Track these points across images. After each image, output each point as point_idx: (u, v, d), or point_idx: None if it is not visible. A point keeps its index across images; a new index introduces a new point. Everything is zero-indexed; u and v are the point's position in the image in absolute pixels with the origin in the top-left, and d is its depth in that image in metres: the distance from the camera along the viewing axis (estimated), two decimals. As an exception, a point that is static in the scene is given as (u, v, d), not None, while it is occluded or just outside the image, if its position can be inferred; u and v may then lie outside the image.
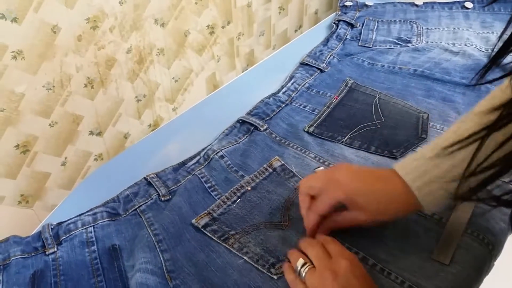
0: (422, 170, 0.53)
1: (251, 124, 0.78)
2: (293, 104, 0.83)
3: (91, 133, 0.99)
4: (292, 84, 0.86)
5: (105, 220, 0.64)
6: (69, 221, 0.63)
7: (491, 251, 0.57)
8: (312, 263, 0.52)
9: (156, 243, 0.60)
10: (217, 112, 0.85)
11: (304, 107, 0.81)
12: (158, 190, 0.67)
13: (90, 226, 0.63)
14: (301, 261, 0.52)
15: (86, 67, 0.92)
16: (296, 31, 1.45)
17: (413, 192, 0.52)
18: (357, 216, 0.55)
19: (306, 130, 0.76)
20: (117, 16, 0.92)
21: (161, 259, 0.58)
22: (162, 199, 0.67)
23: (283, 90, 0.85)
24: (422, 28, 0.97)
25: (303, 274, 0.51)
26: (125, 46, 0.96)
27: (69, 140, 0.96)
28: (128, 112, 1.05)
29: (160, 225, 0.62)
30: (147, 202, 0.66)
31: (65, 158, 0.97)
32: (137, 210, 0.65)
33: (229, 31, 1.19)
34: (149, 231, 0.62)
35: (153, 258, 0.58)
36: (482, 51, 0.88)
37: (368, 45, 0.95)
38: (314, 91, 0.85)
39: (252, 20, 1.25)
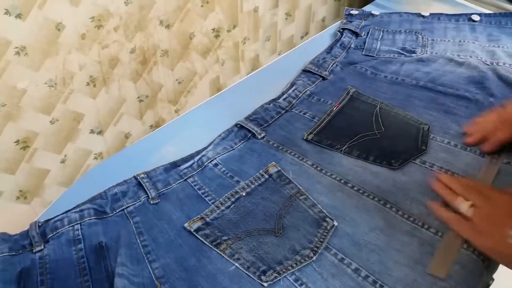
0: None
1: (249, 131, 0.77)
2: (293, 110, 0.82)
3: (92, 131, 0.99)
4: (293, 90, 0.85)
5: (92, 217, 0.63)
6: (55, 219, 0.62)
7: (487, 267, 0.57)
8: None
9: (144, 255, 0.59)
10: (218, 114, 0.84)
11: (304, 114, 0.81)
12: (147, 192, 0.66)
13: (77, 224, 0.62)
14: (468, 203, 0.59)
15: (89, 66, 0.92)
16: (302, 37, 1.45)
17: None
18: None
19: (305, 138, 0.75)
20: (122, 16, 0.92)
21: (150, 269, 0.57)
22: (151, 202, 0.66)
23: (284, 96, 0.84)
24: (428, 39, 0.97)
25: (469, 213, 0.59)
26: (129, 46, 0.96)
27: (70, 138, 0.96)
28: (130, 112, 1.05)
29: (149, 236, 0.61)
30: (135, 203, 0.66)
31: (65, 155, 0.97)
32: (125, 210, 0.65)
33: (234, 35, 1.19)
34: (138, 241, 0.61)
35: (140, 271, 0.57)
36: (487, 64, 0.87)
37: (372, 54, 0.94)
38: (315, 98, 0.84)
39: (258, 25, 1.25)
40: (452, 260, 0.56)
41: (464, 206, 0.60)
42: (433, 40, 0.97)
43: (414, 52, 0.93)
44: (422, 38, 0.97)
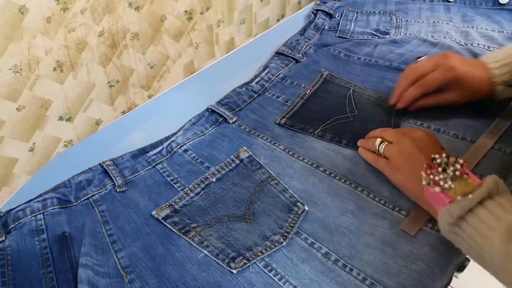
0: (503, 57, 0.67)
1: (220, 115, 0.76)
2: (266, 94, 0.81)
3: (61, 118, 0.96)
4: (266, 74, 0.84)
5: (55, 207, 0.61)
6: (17, 209, 0.60)
7: (457, 249, 0.56)
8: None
9: (110, 244, 0.57)
10: (191, 98, 0.83)
11: (277, 97, 0.80)
12: (114, 180, 0.65)
13: (40, 214, 0.60)
14: (379, 140, 0.63)
15: (56, 50, 0.89)
16: (278, 20, 1.43)
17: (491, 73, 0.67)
18: (450, 97, 0.70)
19: (278, 122, 0.74)
20: (89, -2, 0.89)
21: (115, 259, 0.56)
22: (118, 190, 0.64)
23: (257, 79, 0.83)
24: (401, 20, 0.96)
25: (382, 150, 0.61)
26: (97, 29, 0.93)
27: (37, 125, 0.93)
28: (100, 98, 1.02)
29: (115, 225, 0.60)
30: (100, 192, 0.64)
31: (33, 143, 0.94)
32: (90, 199, 0.63)
33: (208, 17, 1.17)
34: (103, 230, 0.59)
35: (105, 261, 0.55)
36: (461, 45, 0.86)
37: (345, 36, 0.93)
38: (288, 81, 0.83)
39: (232, 8, 1.22)
40: (424, 221, 0.57)
41: (376, 143, 0.63)
42: (407, 21, 0.96)
43: (387, 33, 0.92)
44: (396, 19, 0.96)
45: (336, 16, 0.98)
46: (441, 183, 0.51)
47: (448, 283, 0.73)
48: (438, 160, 0.53)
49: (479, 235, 0.48)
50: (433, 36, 0.90)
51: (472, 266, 0.79)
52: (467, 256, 0.56)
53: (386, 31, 0.93)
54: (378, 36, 0.91)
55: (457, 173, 0.51)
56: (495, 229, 0.46)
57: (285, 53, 0.89)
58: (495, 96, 0.69)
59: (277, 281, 0.53)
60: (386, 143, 0.62)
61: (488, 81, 0.68)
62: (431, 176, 0.52)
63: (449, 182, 0.51)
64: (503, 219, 0.47)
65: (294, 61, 0.88)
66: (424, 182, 0.53)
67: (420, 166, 0.54)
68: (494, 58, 0.68)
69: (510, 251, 0.45)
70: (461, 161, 0.52)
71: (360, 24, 0.96)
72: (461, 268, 0.79)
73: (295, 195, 0.62)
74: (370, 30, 0.93)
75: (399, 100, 0.72)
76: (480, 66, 0.69)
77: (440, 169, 0.52)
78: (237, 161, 0.67)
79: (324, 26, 0.96)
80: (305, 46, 0.91)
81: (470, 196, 0.49)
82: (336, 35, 0.94)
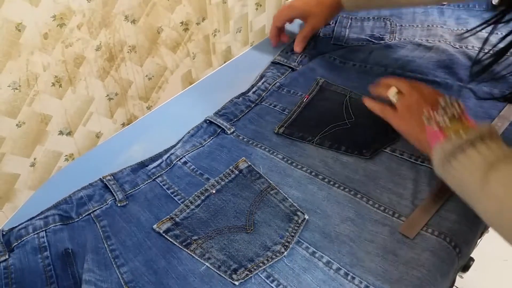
0: None
1: (218, 126, 0.76)
2: (263, 103, 0.81)
3: (61, 132, 0.97)
4: (262, 83, 0.84)
5: (57, 224, 0.61)
6: (20, 227, 0.60)
7: (458, 254, 0.57)
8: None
9: (112, 259, 0.58)
10: (190, 109, 0.83)
11: (275, 106, 0.80)
12: (114, 195, 0.65)
13: (42, 231, 0.60)
14: (395, 89, 0.67)
15: (54, 66, 0.89)
16: (274, 27, 1.43)
17: None
18: (309, 24, 0.90)
19: (276, 131, 0.74)
20: (85, 13, 0.89)
21: (118, 274, 0.56)
22: (119, 204, 0.65)
23: (253, 89, 0.83)
24: (396, 25, 0.96)
25: (395, 100, 0.66)
26: (94, 43, 0.94)
27: (38, 141, 0.93)
28: (100, 111, 1.03)
29: (117, 240, 0.60)
30: (102, 207, 0.64)
31: (34, 158, 0.94)
32: (91, 215, 0.63)
33: (204, 27, 1.17)
34: (105, 245, 0.59)
35: (108, 276, 0.56)
36: (456, 47, 0.87)
37: (340, 43, 0.93)
38: (285, 90, 0.83)
39: (228, 17, 1.23)
40: (423, 223, 0.58)
41: (391, 92, 0.68)
42: (401, 25, 0.96)
43: (382, 39, 0.92)
44: (391, 24, 0.96)
45: (331, 23, 0.99)
46: (439, 121, 0.58)
47: (452, 284, 0.73)
48: (442, 103, 0.59)
49: (466, 172, 0.53)
50: (427, 40, 0.90)
51: (477, 266, 0.79)
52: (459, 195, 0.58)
53: (381, 36, 0.93)
54: (373, 42, 0.92)
55: (455, 113, 0.57)
56: (480, 168, 0.51)
57: (281, 62, 0.90)
58: (344, 8, 0.86)
59: (279, 291, 0.53)
60: (399, 94, 0.67)
61: None
62: (433, 116, 0.59)
63: (447, 121, 0.57)
64: (488, 159, 0.51)
65: (290, 70, 0.89)
66: (425, 120, 0.60)
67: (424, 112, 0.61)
68: None
69: (486, 183, 0.50)
70: (461, 105, 0.58)
71: (355, 31, 0.96)
72: (465, 268, 0.79)
73: (295, 204, 0.62)
74: (365, 36, 0.94)
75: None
76: None
77: (441, 110, 0.58)
78: (236, 172, 0.67)
79: (319, 33, 0.97)
80: (300, 54, 0.91)
81: (462, 135, 0.54)
82: (331, 42, 0.94)
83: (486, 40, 0.63)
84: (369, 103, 0.72)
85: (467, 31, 0.66)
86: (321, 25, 0.94)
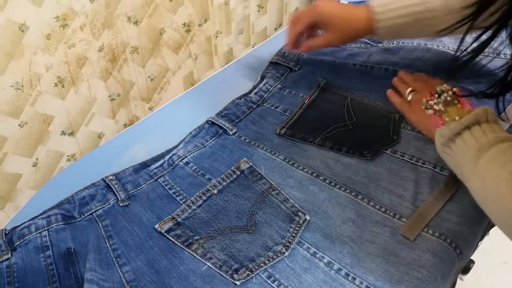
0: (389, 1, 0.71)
1: (220, 127, 0.76)
2: (264, 104, 0.82)
3: (63, 133, 0.97)
4: (264, 84, 0.85)
5: (59, 223, 0.62)
6: (22, 226, 0.61)
7: (459, 255, 0.57)
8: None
9: (114, 258, 0.58)
10: (192, 110, 0.83)
11: (276, 107, 0.80)
12: (117, 195, 0.65)
13: (44, 230, 0.61)
14: (410, 88, 0.73)
15: (56, 66, 0.90)
16: (276, 29, 1.44)
17: (374, 12, 0.72)
18: (328, 37, 0.77)
19: (278, 132, 0.75)
20: (88, 14, 0.90)
21: (120, 273, 0.56)
22: (121, 204, 0.65)
23: (255, 90, 0.83)
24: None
25: (410, 97, 0.72)
26: (97, 44, 0.94)
27: (40, 141, 0.94)
28: (102, 112, 1.03)
29: (119, 239, 0.60)
30: (104, 207, 0.65)
31: (36, 159, 0.95)
32: (93, 214, 0.63)
33: (206, 29, 1.18)
34: (107, 245, 0.60)
35: (110, 276, 0.56)
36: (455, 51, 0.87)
37: (338, 46, 0.93)
38: (286, 91, 0.84)
39: (230, 18, 1.23)
40: (423, 225, 0.58)
41: (407, 91, 0.73)
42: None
43: (380, 42, 0.92)
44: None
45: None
46: (435, 106, 0.63)
47: (453, 286, 0.74)
48: (438, 89, 0.64)
49: (462, 155, 0.56)
50: (426, 44, 0.90)
51: (477, 268, 0.79)
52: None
53: (379, 40, 0.93)
54: (371, 44, 0.92)
55: (448, 98, 0.62)
56: (473, 151, 0.54)
57: (279, 62, 0.90)
58: (377, 35, 0.75)
59: (280, 291, 0.53)
60: (414, 92, 0.72)
61: (366, 20, 0.73)
62: (430, 102, 0.64)
63: (441, 106, 0.62)
64: (480, 142, 0.54)
65: (288, 69, 0.89)
66: (423, 107, 0.65)
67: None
68: (382, 1, 0.74)
69: (476, 165, 0.53)
70: (455, 89, 0.64)
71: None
72: (466, 270, 0.79)
73: (296, 205, 0.62)
74: (364, 38, 0.94)
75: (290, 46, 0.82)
76: (362, 7, 0.75)
77: (437, 95, 0.64)
78: (238, 172, 0.68)
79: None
80: (297, 53, 0.91)
81: (458, 120, 0.58)
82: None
83: (462, 40, 0.65)
84: (391, 94, 0.76)
85: (445, 29, 0.66)
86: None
